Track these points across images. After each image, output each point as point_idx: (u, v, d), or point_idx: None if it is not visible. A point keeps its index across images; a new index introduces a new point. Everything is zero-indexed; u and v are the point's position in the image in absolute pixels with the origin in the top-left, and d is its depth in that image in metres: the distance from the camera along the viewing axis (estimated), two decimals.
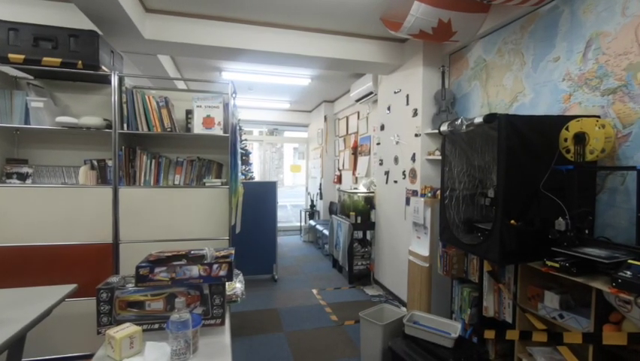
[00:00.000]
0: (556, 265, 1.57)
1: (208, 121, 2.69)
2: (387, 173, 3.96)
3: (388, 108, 3.97)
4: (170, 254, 1.53)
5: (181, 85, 5.17)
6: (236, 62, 4.46)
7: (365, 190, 4.56)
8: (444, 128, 2.19)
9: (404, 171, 3.56)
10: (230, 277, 1.42)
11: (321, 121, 7.02)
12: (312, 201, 7.29)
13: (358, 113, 5.65)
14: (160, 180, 2.75)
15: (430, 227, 2.91)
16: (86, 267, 2.44)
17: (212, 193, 2.70)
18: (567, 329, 1.73)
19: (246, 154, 5.62)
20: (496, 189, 2.14)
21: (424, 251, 2.96)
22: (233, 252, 1.60)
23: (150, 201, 2.61)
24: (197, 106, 2.69)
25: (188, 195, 2.69)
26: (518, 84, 2.48)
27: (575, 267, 1.52)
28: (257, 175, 8.73)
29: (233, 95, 2.72)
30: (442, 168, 2.27)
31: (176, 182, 2.81)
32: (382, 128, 4.13)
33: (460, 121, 2.03)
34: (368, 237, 4.72)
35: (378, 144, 4.26)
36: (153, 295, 1.38)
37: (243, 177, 5.54)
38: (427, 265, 2.91)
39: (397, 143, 3.72)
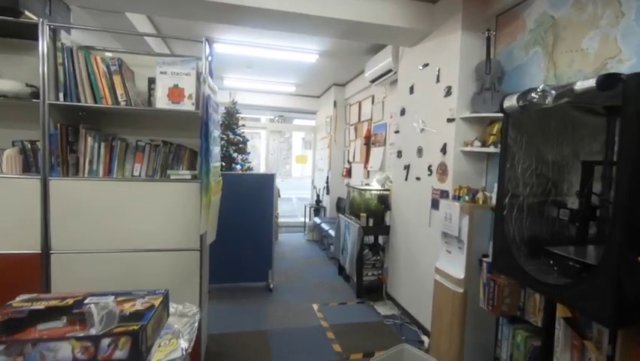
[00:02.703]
0: None
1: (175, 93, 2.01)
2: (407, 167, 3.25)
3: (411, 88, 3.24)
4: (43, 306, 0.86)
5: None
6: (230, 29, 3.76)
7: (379, 187, 3.85)
8: (509, 103, 1.47)
9: (430, 166, 2.84)
10: (137, 359, 0.75)
11: (330, 107, 6.29)
12: (317, 195, 6.61)
13: (373, 97, 4.91)
14: (113, 169, 2.09)
15: (467, 241, 2.20)
16: (1, 286, 1.81)
17: (180, 189, 2.04)
18: None
19: (243, 142, 4.96)
20: (602, 199, 1.43)
21: (458, 272, 2.27)
22: (157, 302, 0.93)
23: (97, 198, 1.96)
24: (162, 72, 2.01)
25: (149, 191, 2.03)
26: (610, 46, 1.73)
27: None
28: (263, 166, 8.05)
29: (209, 58, 2.03)
30: (502, 163, 1.55)
31: (136, 173, 2.15)
32: (403, 112, 3.40)
33: (540, 92, 1.30)
34: (380, 240, 4.04)
35: (396, 132, 3.53)
36: None
37: (239, 167, 4.88)
38: (462, 290, 2.22)
39: (422, 130, 2.99)
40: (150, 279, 2.02)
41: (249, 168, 5.04)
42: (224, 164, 4.83)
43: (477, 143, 2.45)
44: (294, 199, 11.32)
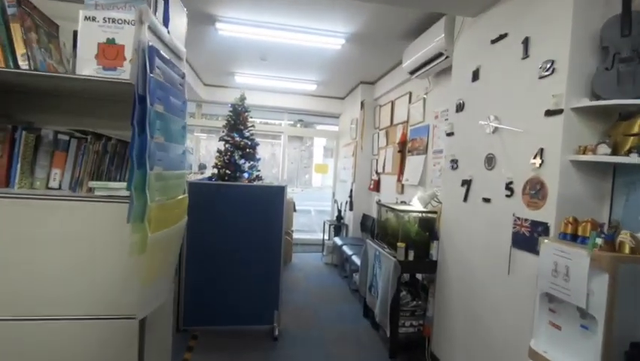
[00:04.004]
0: None
1: (110, 52, 1.20)
2: (467, 183, 2.32)
3: (475, 74, 2.32)
4: None
5: None
6: (239, 4, 2.99)
7: (421, 208, 2.93)
8: None
9: (510, 183, 1.91)
10: None
11: (356, 109, 5.43)
12: (339, 211, 5.71)
13: (410, 94, 4.02)
14: (13, 178, 1.30)
15: (604, 318, 1.25)
16: None
17: (112, 213, 1.22)
18: None
19: (252, 146, 4.15)
20: None
21: None
22: None
23: None
24: (88, 18, 1.21)
25: (63, 216, 1.23)
26: None
27: None
28: (281, 176, 7.25)
29: None
30: None
31: (54, 183, 1.35)
32: (460, 107, 2.48)
33: None
34: (418, 275, 3.10)
35: (449, 134, 2.62)
36: None
37: (246, 176, 4.07)
38: None
39: (495, 131, 2.06)
40: None
41: (258, 177, 4.23)
42: (228, 172, 4.04)
43: (604, 148, 1.51)
44: (312, 212, 10.44)
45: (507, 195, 1.93)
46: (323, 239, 5.90)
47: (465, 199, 2.34)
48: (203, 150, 9.34)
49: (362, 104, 5.20)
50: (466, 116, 2.42)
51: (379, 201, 3.62)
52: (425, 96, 3.60)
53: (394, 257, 2.68)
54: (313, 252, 6.08)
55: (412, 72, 3.42)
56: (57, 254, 1.21)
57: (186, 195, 1.38)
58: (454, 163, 2.51)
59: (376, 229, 3.59)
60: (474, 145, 2.28)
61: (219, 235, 2.86)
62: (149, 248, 1.01)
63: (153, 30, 1.14)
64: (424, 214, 2.84)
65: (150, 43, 1.08)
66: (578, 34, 1.59)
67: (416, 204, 2.98)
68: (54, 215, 1.23)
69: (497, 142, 2.05)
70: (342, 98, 6.31)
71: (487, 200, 2.12)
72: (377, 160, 4.93)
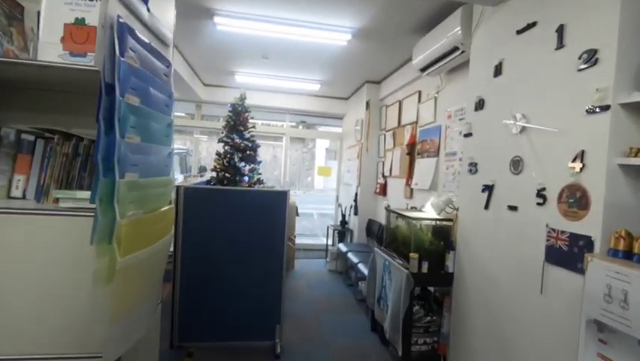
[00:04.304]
0: None
1: (79, 35, 0.99)
2: (488, 189, 2.10)
3: (497, 68, 2.11)
4: None
5: None
6: None
7: (435, 215, 2.71)
8: None
9: (542, 190, 1.69)
10: None
11: (361, 110, 5.22)
12: (343, 215, 5.49)
13: (419, 93, 3.81)
14: None
15: None
16: None
17: (79, 228, 1.01)
18: None
19: (252, 148, 3.94)
20: None
21: None
22: None
23: None
24: None
25: (24, 232, 1.02)
26: None
27: None
28: (283, 178, 7.04)
29: None
30: None
31: (16, 192, 1.15)
32: (480, 106, 2.27)
33: None
34: (429, 286, 2.88)
35: (467, 135, 2.40)
36: None
37: (247, 179, 3.86)
38: None
39: (522, 130, 1.85)
40: None
41: (259, 181, 4.02)
42: (228, 175, 3.83)
43: None
44: (315, 215, 10.21)
45: (538, 203, 1.71)
46: (327, 245, 5.68)
47: (486, 207, 2.12)
48: (204, 152, 9.14)
49: (367, 104, 4.99)
50: (486, 115, 2.21)
51: (388, 206, 3.40)
52: (436, 95, 3.39)
53: (406, 269, 2.46)
54: (316, 258, 5.85)
55: (423, 69, 3.21)
56: (14, 279, 1.00)
57: (172, 205, 1.17)
58: (473, 167, 2.29)
59: (385, 236, 3.37)
60: (497, 147, 2.06)
61: (217, 244, 2.65)
62: (118, 276, 0.81)
63: (126, 4, 0.94)
64: (438, 222, 2.63)
65: (121, 20, 0.88)
66: (628, 18, 1.38)
67: (429, 211, 2.76)
68: (14, 231, 1.02)
69: (525, 143, 1.84)
70: (347, 99, 6.11)
71: (513, 208, 1.90)
72: (383, 163, 4.72)
